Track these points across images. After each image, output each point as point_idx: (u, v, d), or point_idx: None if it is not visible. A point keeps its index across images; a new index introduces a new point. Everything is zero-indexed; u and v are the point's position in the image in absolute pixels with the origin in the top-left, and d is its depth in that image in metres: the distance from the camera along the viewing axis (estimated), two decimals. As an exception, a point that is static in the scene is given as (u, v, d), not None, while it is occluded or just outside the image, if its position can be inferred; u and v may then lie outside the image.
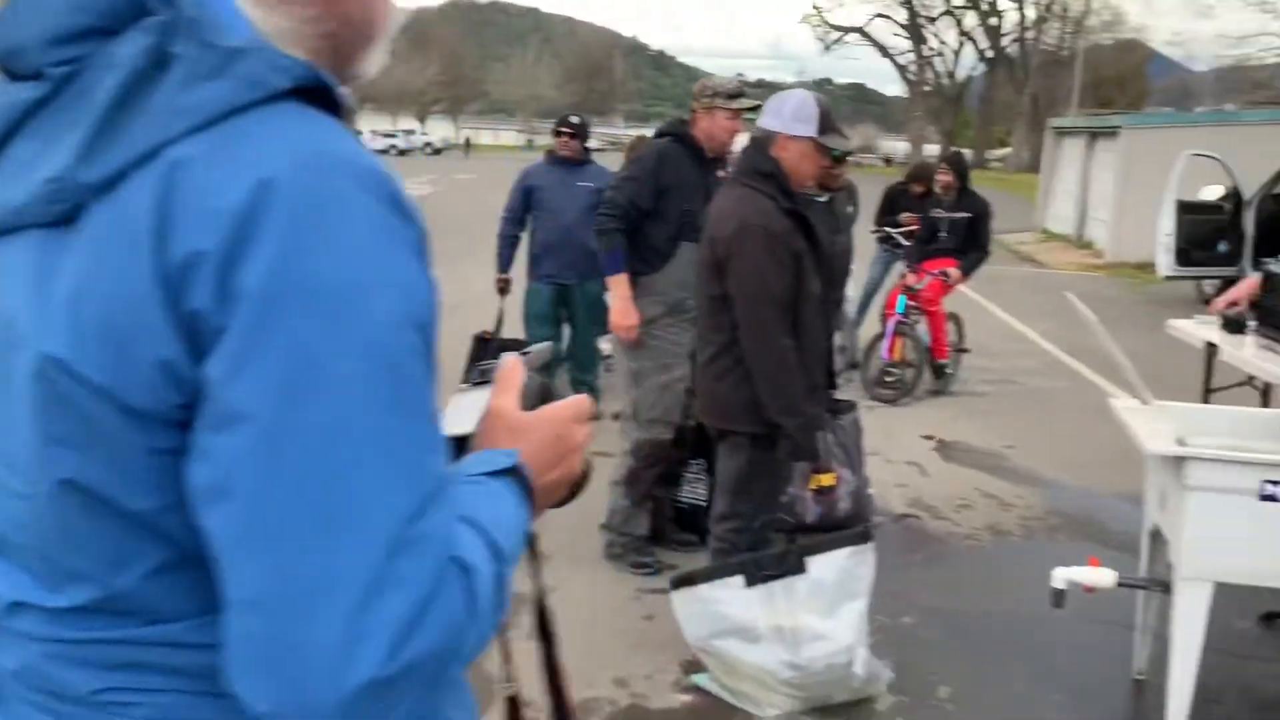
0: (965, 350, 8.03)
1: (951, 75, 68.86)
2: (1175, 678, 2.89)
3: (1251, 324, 4.27)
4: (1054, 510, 5.03)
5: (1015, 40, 60.32)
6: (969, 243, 7.42)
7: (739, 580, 3.12)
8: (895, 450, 6.03)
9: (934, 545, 4.57)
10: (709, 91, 4.01)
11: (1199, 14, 68.42)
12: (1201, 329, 4.48)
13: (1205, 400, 4.87)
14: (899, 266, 7.98)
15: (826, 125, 3.13)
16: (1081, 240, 19.59)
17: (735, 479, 3.29)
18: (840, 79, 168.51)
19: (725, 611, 3.12)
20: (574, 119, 6.46)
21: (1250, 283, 4.34)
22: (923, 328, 7.63)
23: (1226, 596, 3.64)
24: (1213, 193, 11.74)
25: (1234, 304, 4.46)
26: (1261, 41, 45.40)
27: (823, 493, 4.62)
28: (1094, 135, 19.80)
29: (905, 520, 4.87)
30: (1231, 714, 3.19)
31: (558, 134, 6.36)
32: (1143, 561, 3.34)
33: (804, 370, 3.13)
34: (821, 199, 4.56)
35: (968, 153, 68.37)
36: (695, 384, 3.40)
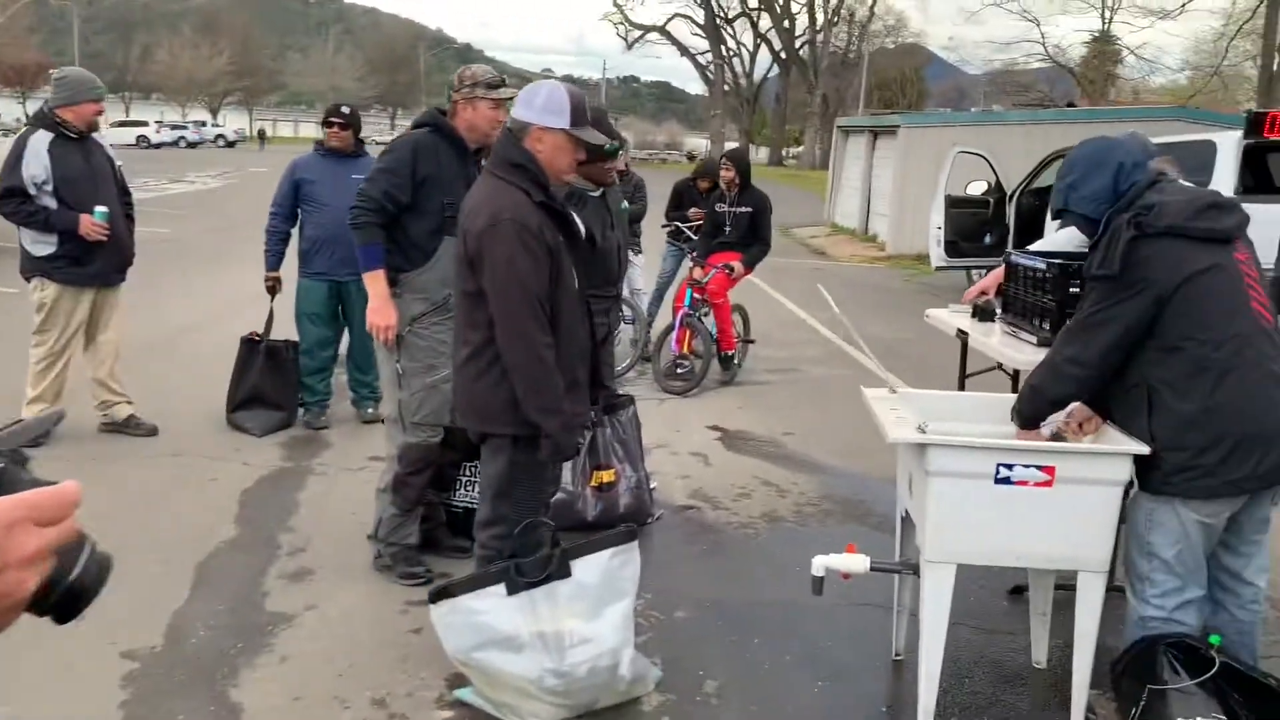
0: (751, 341, 8.21)
1: (749, 75, 71.03)
2: (925, 657, 2.98)
3: (998, 312, 4.51)
4: (827, 495, 5.18)
5: (806, 43, 62.78)
6: (751, 236, 7.57)
7: (500, 589, 3.01)
8: (682, 442, 6.07)
9: (712, 536, 4.60)
10: (469, 81, 3.86)
11: (971, 21, 73.25)
12: (955, 318, 4.69)
13: (961, 385, 5.13)
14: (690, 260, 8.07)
15: (580, 118, 3.05)
16: (866, 234, 20.55)
17: (497, 483, 3.17)
18: (647, 77, 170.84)
19: (487, 622, 3.00)
20: (345, 109, 6.17)
21: (997, 273, 4.58)
22: (711, 320, 7.75)
23: (979, 573, 3.83)
24: (978, 188, 12.51)
25: (984, 293, 4.69)
26: (1024, 47, 49.03)
27: (603, 489, 4.59)
28: (876, 134, 20.80)
29: (686, 512, 4.89)
30: (979, 688, 3.33)
31: (328, 124, 6.07)
32: (897, 545, 3.44)
33: (564, 367, 3.05)
34: (594, 193, 4.50)
35: (765, 151, 70.66)
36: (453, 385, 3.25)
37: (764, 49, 67.33)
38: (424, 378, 3.86)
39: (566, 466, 4.55)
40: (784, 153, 69.66)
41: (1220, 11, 41.93)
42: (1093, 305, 2.74)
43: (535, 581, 3.00)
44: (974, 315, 4.64)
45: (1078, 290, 3.92)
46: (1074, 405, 2.99)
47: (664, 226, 8.90)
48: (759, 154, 71.71)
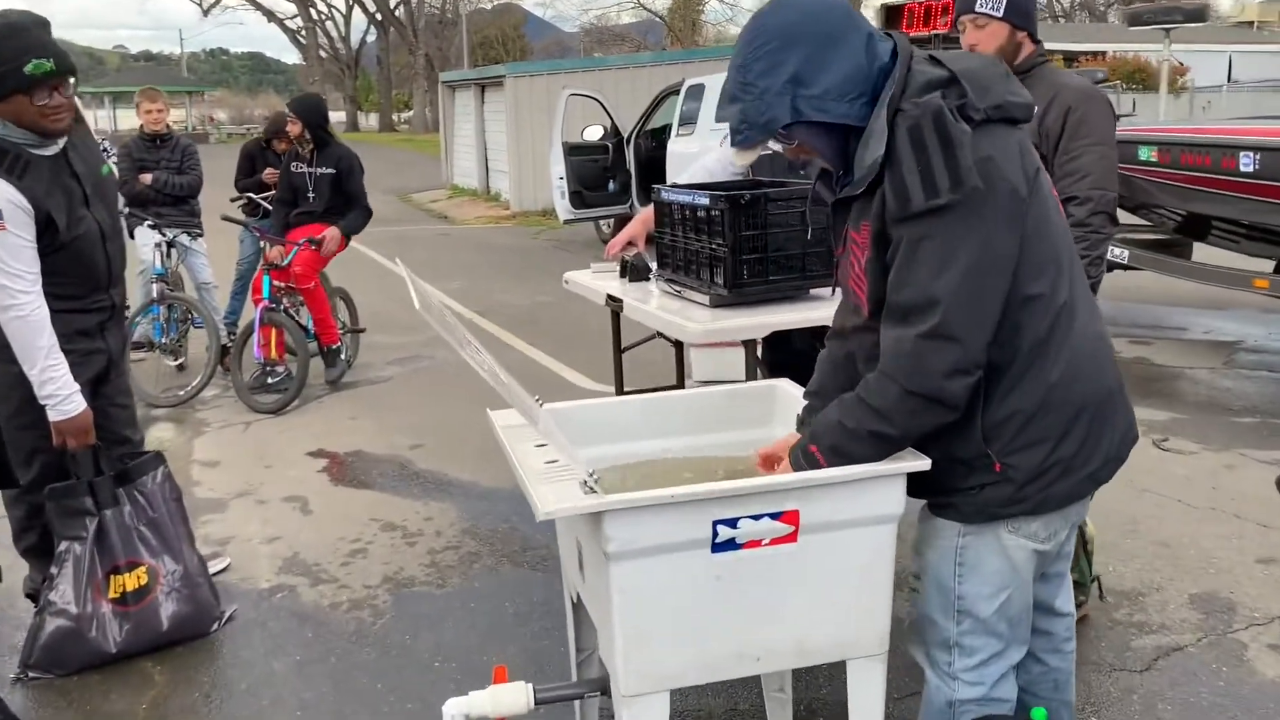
0: (360, 330, 6.77)
1: (345, 39, 67.25)
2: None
3: (653, 269, 3.49)
4: (469, 530, 3.95)
5: (401, 3, 60.19)
6: (340, 203, 6.11)
7: None
8: (273, 483, 4.58)
9: (310, 632, 3.21)
10: None
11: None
12: (600, 280, 3.61)
13: (618, 360, 4.09)
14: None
15: None
16: (489, 193, 19.46)
17: None
18: (236, 48, 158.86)
19: None
20: None
21: (644, 217, 3.55)
22: (305, 311, 6.23)
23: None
24: (595, 133, 11.75)
25: (630, 244, 3.66)
26: (614, -1, 50.13)
27: (129, 601, 3.06)
28: (483, 87, 19.65)
29: (274, 597, 3.46)
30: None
31: None
32: (570, 644, 2.29)
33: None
34: (43, 150, 2.89)
35: (375, 117, 67.49)
36: None
37: (358, 10, 63.77)
38: None
39: (66, 579, 2.98)
40: (395, 117, 66.84)
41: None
42: (941, 265, 1.63)
43: None
44: (623, 274, 3.60)
45: (754, 229, 2.97)
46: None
47: (235, 200, 7.17)
48: (369, 120, 68.35)
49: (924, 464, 1.77)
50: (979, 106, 1.62)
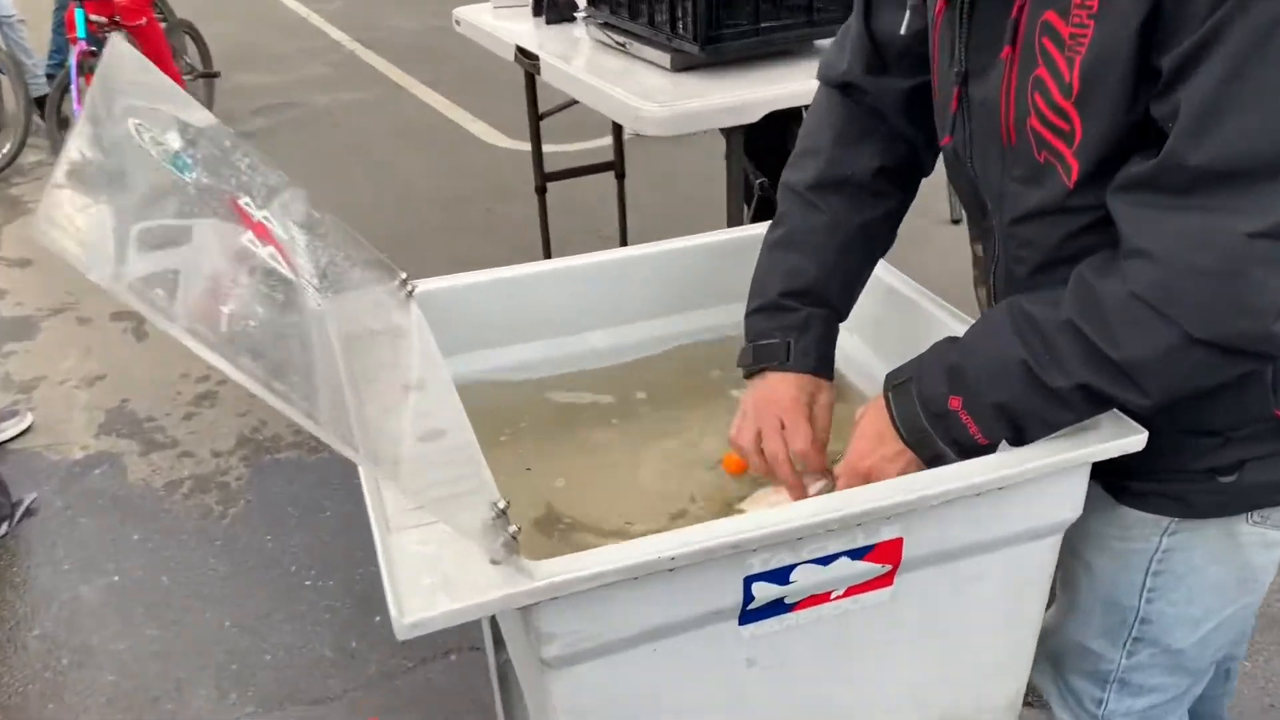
0: (213, 75, 5.49)
1: None
2: None
3: (581, 4, 2.45)
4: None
5: None
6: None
7: None
8: (101, 293, 3.55)
9: (136, 533, 2.37)
10: None
11: None
12: (505, 21, 2.55)
13: (535, 128, 3.08)
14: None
15: None
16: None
17: None
18: None
19: None
20: None
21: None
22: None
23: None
24: None
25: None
26: None
27: None
28: None
29: (91, 475, 2.59)
30: None
31: None
32: (488, 642, 1.50)
33: None
34: None
35: None
36: None
37: None
38: None
39: None
40: None
41: None
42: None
43: None
44: (537, 12, 2.55)
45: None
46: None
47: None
48: None
49: (1138, 440, 0.93)
50: None
